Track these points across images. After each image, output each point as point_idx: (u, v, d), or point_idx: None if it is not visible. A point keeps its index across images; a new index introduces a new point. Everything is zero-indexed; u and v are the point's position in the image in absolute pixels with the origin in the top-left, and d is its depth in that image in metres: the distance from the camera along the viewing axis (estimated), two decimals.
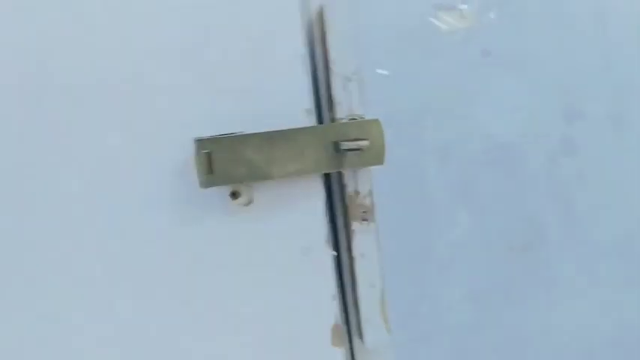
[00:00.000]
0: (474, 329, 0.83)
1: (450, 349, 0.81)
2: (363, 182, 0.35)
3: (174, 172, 0.36)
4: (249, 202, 0.36)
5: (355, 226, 0.34)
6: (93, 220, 0.35)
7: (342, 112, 0.34)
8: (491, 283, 0.85)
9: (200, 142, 0.35)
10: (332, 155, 0.36)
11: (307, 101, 0.37)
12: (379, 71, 0.80)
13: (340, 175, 0.37)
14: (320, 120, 0.38)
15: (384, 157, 0.36)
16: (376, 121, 0.36)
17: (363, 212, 0.34)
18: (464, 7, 0.95)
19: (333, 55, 0.34)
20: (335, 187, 0.38)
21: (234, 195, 0.36)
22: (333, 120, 0.35)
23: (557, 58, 0.94)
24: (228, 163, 0.35)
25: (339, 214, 0.37)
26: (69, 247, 0.34)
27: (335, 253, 0.37)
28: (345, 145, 0.35)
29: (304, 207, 0.35)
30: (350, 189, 0.34)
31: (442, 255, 0.84)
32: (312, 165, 0.35)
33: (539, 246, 0.87)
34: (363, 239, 0.34)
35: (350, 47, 0.35)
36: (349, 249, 0.35)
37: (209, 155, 0.35)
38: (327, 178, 0.38)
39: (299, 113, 0.37)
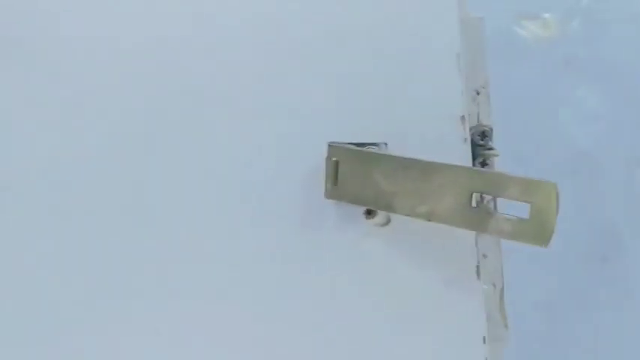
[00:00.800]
0: (545, 338, 0.84)
1: (518, 356, 0.82)
2: None
3: (304, 181, 0.34)
4: (386, 223, 0.33)
5: None
6: (214, 226, 0.33)
7: (471, 122, 0.34)
8: (565, 294, 0.85)
9: (331, 148, 0.33)
10: (474, 211, 0.30)
11: (459, 107, 0.34)
12: None
13: None
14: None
15: (549, 236, 0.28)
16: (550, 184, 0.28)
17: None
18: (547, 15, 0.95)
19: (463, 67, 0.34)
20: None
21: (369, 213, 0.33)
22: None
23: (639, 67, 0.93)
24: (354, 180, 0.33)
25: None
26: (191, 257, 0.33)
27: (485, 287, 0.34)
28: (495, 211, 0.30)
29: (451, 232, 0.31)
30: None
31: (517, 262, 0.84)
32: (446, 214, 0.30)
33: (616, 257, 0.87)
34: (486, 240, 0.34)
35: (480, 60, 0.35)
36: None
37: (337, 165, 0.33)
38: None
39: (449, 121, 0.34)
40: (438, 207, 0.30)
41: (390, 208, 0.31)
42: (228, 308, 0.32)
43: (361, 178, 0.32)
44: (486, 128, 0.35)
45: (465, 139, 0.33)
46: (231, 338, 0.32)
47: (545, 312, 0.84)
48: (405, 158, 0.31)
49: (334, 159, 0.33)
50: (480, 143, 0.34)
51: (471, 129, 0.32)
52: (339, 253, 0.33)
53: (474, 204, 0.29)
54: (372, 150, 0.33)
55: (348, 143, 0.33)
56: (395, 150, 0.33)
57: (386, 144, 0.34)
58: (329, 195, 0.33)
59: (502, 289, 0.35)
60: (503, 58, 0.90)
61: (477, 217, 0.29)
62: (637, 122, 0.91)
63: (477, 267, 0.32)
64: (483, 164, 0.33)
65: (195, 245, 0.33)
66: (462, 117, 0.33)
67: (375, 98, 0.34)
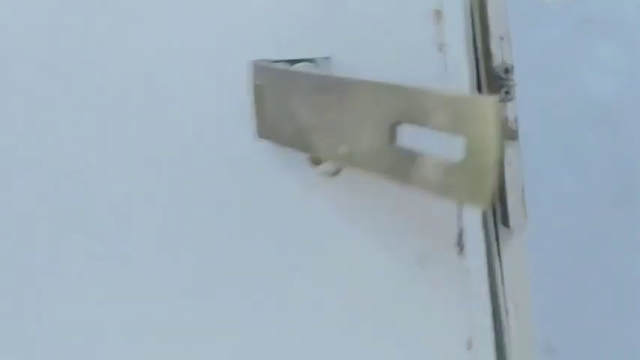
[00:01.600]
0: (576, 274, 0.91)
1: (552, 291, 0.89)
2: None
3: (233, 116, 0.25)
4: (336, 172, 0.25)
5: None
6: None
7: (496, 61, 0.40)
8: (592, 235, 0.92)
9: (255, 69, 0.24)
10: (396, 151, 0.20)
11: None
12: None
13: None
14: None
15: (488, 193, 0.18)
16: (488, 103, 0.18)
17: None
18: None
19: (490, 14, 0.40)
20: None
21: (314, 160, 0.24)
22: (488, 69, 0.39)
23: None
24: (277, 111, 0.23)
25: None
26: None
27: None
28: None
29: None
30: None
31: (545, 208, 0.92)
32: (365, 157, 0.21)
33: (636, 199, 0.94)
34: (511, 153, 0.39)
35: (503, 10, 0.42)
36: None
37: (261, 91, 0.24)
38: None
39: (418, 19, 0.25)
40: (357, 146, 0.21)
41: (309, 148, 0.23)
42: (153, 273, 0.27)
43: (284, 109, 0.23)
44: (509, 66, 0.41)
45: (441, 46, 0.26)
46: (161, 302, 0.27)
47: (575, 251, 0.91)
48: (324, 77, 0.23)
49: (258, 83, 0.24)
50: (504, 77, 0.40)
51: (495, 67, 0.38)
52: (278, 212, 0.25)
53: (398, 141, 0.20)
54: (298, 69, 0.24)
55: (276, 61, 0.25)
56: (342, 68, 0.25)
57: (328, 58, 0.26)
58: (260, 134, 0.25)
59: (523, 186, 0.42)
60: (524, 17, 0.96)
61: (398, 160, 0.20)
62: None
63: (459, 237, 0.23)
64: (507, 95, 0.37)
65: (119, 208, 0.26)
66: (437, 12, 0.25)
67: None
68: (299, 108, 0.23)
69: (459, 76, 0.43)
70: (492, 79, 0.39)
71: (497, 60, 0.41)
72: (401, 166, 0.20)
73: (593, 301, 0.92)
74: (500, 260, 0.41)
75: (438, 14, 0.29)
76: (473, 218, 0.30)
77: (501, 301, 0.43)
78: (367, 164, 0.22)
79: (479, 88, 0.42)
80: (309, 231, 0.25)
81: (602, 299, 0.92)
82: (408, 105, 0.20)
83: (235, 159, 0.26)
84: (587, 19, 0.99)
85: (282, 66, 0.25)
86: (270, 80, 0.24)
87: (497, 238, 0.41)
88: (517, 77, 0.45)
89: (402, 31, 0.28)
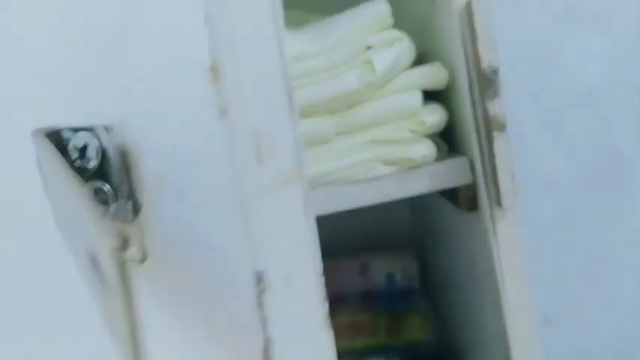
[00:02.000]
0: (567, 247, 0.98)
1: (547, 264, 0.96)
2: None
3: None
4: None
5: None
6: None
7: (484, 64, 0.46)
8: (581, 209, 0.99)
9: (37, 139, 0.24)
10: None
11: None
12: None
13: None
14: None
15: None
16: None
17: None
18: None
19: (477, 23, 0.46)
20: None
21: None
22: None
23: (636, 12, 1.05)
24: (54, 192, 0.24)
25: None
26: None
27: None
28: None
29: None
30: None
31: (538, 185, 0.98)
32: None
33: (623, 177, 1.00)
34: (500, 143, 0.45)
35: (489, 17, 0.47)
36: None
37: (41, 165, 0.25)
38: None
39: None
40: None
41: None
42: None
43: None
44: (495, 68, 0.47)
45: (223, 111, 0.24)
46: None
47: (565, 226, 0.98)
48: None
49: (39, 155, 0.24)
50: (491, 77, 0.45)
51: (484, 69, 0.44)
52: None
53: None
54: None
55: (59, 129, 0.24)
56: (130, 134, 0.26)
57: (110, 127, 0.27)
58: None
59: (513, 170, 0.47)
60: (507, 6, 1.01)
61: None
62: (637, 61, 1.03)
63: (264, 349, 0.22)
64: (495, 92, 0.43)
65: None
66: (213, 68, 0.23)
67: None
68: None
69: (457, 80, 0.49)
70: (482, 79, 0.45)
71: (484, 63, 0.47)
72: None
73: (583, 273, 0.99)
74: (496, 237, 0.48)
75: (215, 71, 0.25)
76: None
77: (499, 276, 0.49)
78: None
79: (471, 88, 0.48)
80: None
81: (591, 271, 0.99)
82: None
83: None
84: (568, 9, 1.05)
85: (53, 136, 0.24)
86: (47, 155, 0.24)
87: (492, 218, 0.48)
88: (504, 68, 0.50)
89: (180, 95, 0.26)
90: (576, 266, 0.98)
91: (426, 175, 0.48)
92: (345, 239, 0.96)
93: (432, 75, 0.49)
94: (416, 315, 0.87)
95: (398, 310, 0.88)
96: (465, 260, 0.59)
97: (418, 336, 0.86)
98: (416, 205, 0.92)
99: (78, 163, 0.26)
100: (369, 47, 0.48)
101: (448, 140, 0.52)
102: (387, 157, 0.49)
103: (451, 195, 0.51)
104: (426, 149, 0.49)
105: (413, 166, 0.49)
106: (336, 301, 0.90)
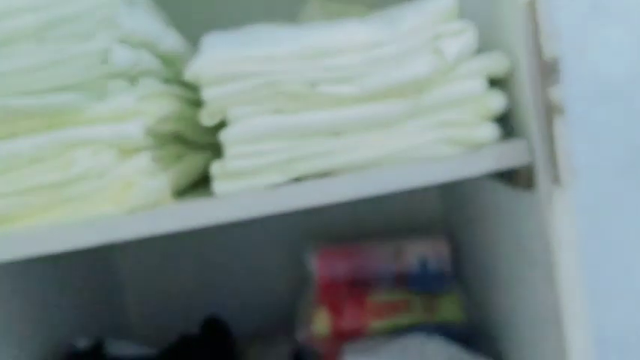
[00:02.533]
0: (590, 236, 1.03)
1: None
2: None
3: None
4: None
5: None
6: None
7: (546, 54, 0.50)
8: (602, 201, 1.04)
9: None
10: None
11: None
12: None
13: None
14: None
15: None
16: None
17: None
18: None
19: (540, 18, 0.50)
20: None
21: None
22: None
23: None
24: None
25: None
26: None
27: None
28: None
29: None
30: None
31: None
32: None
33: None
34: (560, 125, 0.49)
35: (554, 34, 0.51)
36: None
37: None
38: None
39: None
40: None
41: None
42: None
43: None
44: (557, 57, 0.51)
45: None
46: None
47: (587, 215, 1.02)
48: None
49: None
50: (554, 66, 0.49)
51: (546, 58, 0.48)
52: None
53: None
54: None
55: None
56: None
57: None
58: None
59: (571, 151, 0.51)
60: None
61: None
62: None
63: None
64: (556, 79, 0.48)
65: None
66: None
67: None
68: None
69: (517, 68, 0.53)
70: (544, 67, 0.49)
71: (547, 53, 0.51)
72: None
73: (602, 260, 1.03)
74: (554, 214, 0.52)
75: None
76: None
77: (556, 251, 0.53)
78: None
79: (531, 76, 0.52)
80: None
81: (609, 259, 1.04)
82: None
83: None
84: (594, 6, 1.09)
85: None
86: None
87: (551, 195, 0.52)
88: None
89: None
90: (592, 255, 1.03)
91: (490, 155, 0.52)
92: (379, 224, 1.00)
93: (494, 63, 0.53)
94: (449, 296, 0.91)
95: (432, 291, 0.92)
96: (512, 239, 0.63)
97: (451, 316, 0.90)
98: (447, 190, 0.96)
99: None
100: (438, 36, 0.52)
101: (503, 124, 0.56)
102: (452, 139, 0.53)
103: (507, 175, 0.55)
104: (490, 131, 0.53)
105: (477, 147, 0.52)
106: (372, 282, 0.94)
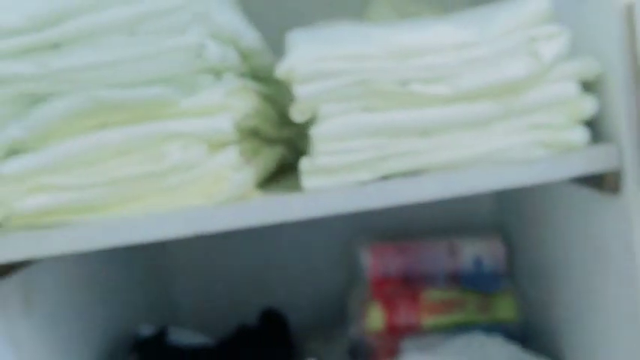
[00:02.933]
0: None
1: None
2: None
3: None
4: None
5: None
6: None
7: None
8: None
9: None
10: None
11: None
12: None
13: None
14: None
15: None
16: None
17: None
18: None
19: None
20: None
21: None
22: None
23: None
24: None
25: None
26: None
27: None
28: None
29: None
30: None
31: None
32: None
33: None
34: None
35: None
36: None
37: None
38: None
39: None
40: None
41: None
42: None
43: None
44: None
45: None
46: None
47: None
48: None
49: None
50: None
51: None
52: None
53: None
54: None
55: None
56: None
57: None
58: None
59: None
60: None
61: None
62: None
63: None
64: None
65: None
66: None
67: None
68: None
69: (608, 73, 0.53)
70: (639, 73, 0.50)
71: None
72: None
73: None
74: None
75: None
76: None
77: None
78: None
79: (625, 81, 0.53)
80: None
81: None
82: None
83: None
84: None
85: None
86: None
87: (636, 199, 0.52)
88: None
89: None
90: None
91: (579, 158, 0.52)
92: (432, 220, 1.01)
93: (586, 67, 0.54)
94: (503, 296, 0.91)
95: (486, 290, 0.92)
96: (585, 240, 0.63)
97: (506, 316, 0.90)
98: (502, 191, 0.96)
99: None
100: (533, 39, 0.53)
101: (592, 128, 0.56)
102: (543, 141, 0.53)
103: (592, 178, 0.55)
104: (581, 135, 0.53)
105: (567, 150, 0.53)
106: (425, 279, 0.95)
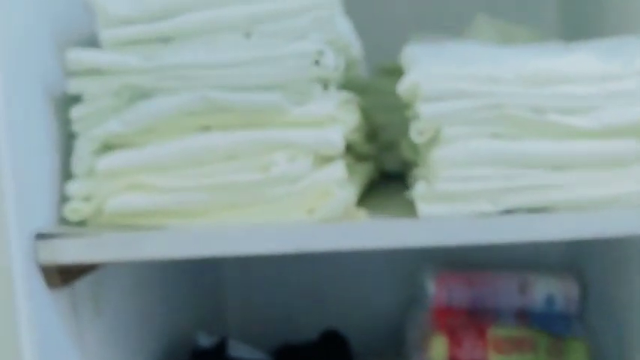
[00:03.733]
0: None
1: None
2: None
3: None
4: None
5: None
6: None
7: None
8: None
9: None
10: None
11: None
12: None
13: None
14: None
15: None
16: None
17: None
18: None
19: None
20: None
21: None
22: None
23: None
24: None
25: None
26: None
27: None
28: None
29: None
30: None
31: None
32: None
33: None
34: None
35: None
36: None
37: None
38: None
39: None
40: None
41: None
42: None
43: None
44: None
45: None
46: None
47: None
48: None
49: None
50: None
51: None
52: None
53: None
54: None
55: None
56: None
57: None
58: None
59: None
60: None
61: None
62: None
63: None
64: None
65: None
66: None
67: None
68: None
69: None
70: None
71: None
72: None
73: None
74: None
75: None
76: None
77: None
78: None
79: None
80: None
81: None
82: None
83: None
84: None
85: None
86: None
87: None
88: None
89: None
90: None
91: None
92: (501, 252, 0.96)
93: None
94: (576, 342, 0.86)
95: (557, 332, 0.88)
96: None
97: None
98: None
99: None
100: None
101: None
102: None
103: None
104: None
105: None
106: (492, 314, 0.91)
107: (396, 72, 0.59)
